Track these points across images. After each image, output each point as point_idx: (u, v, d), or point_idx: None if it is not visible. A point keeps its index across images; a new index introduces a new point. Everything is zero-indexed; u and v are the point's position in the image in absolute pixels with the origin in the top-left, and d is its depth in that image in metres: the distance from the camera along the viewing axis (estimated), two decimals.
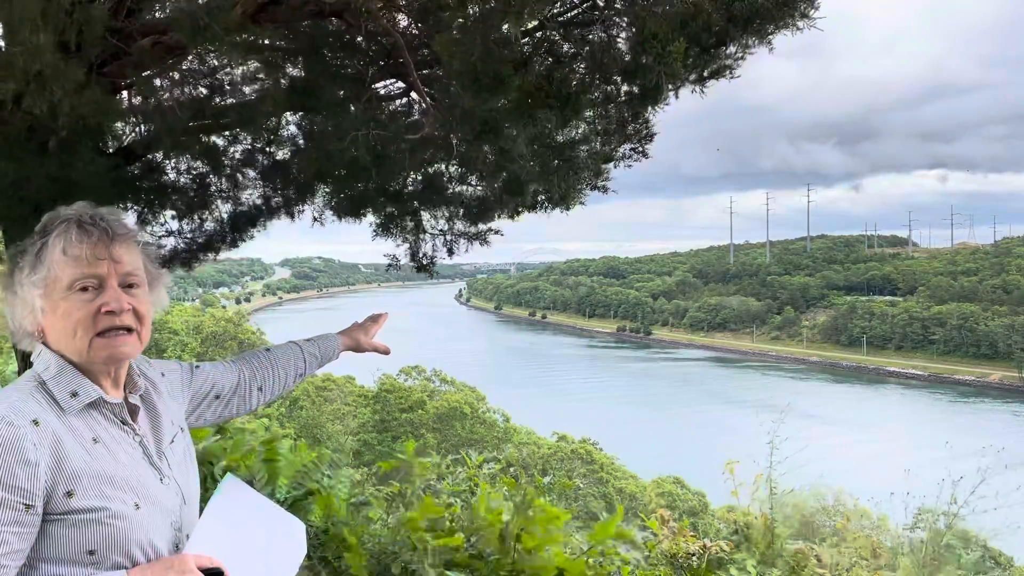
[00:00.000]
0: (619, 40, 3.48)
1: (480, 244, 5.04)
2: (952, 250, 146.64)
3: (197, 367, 1.91)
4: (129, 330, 1.51)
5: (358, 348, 2.26)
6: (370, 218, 4.88)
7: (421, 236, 5.06)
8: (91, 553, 1.38)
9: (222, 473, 3.60)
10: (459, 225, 5.04)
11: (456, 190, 4.94)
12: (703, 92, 3.77)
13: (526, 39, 3.37)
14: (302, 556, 1.68)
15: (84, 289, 1.47)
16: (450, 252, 5.11)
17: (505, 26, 2.84)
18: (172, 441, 1.65)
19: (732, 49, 3.57)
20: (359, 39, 3.97)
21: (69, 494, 1.37)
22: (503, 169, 4.27)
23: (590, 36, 3.60)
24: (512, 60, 2.93)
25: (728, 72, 3.75)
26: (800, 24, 3.40)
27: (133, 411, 1.58)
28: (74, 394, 1.46)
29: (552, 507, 2.98)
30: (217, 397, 1.91)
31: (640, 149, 4.77)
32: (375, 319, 2.33)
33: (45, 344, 1.52)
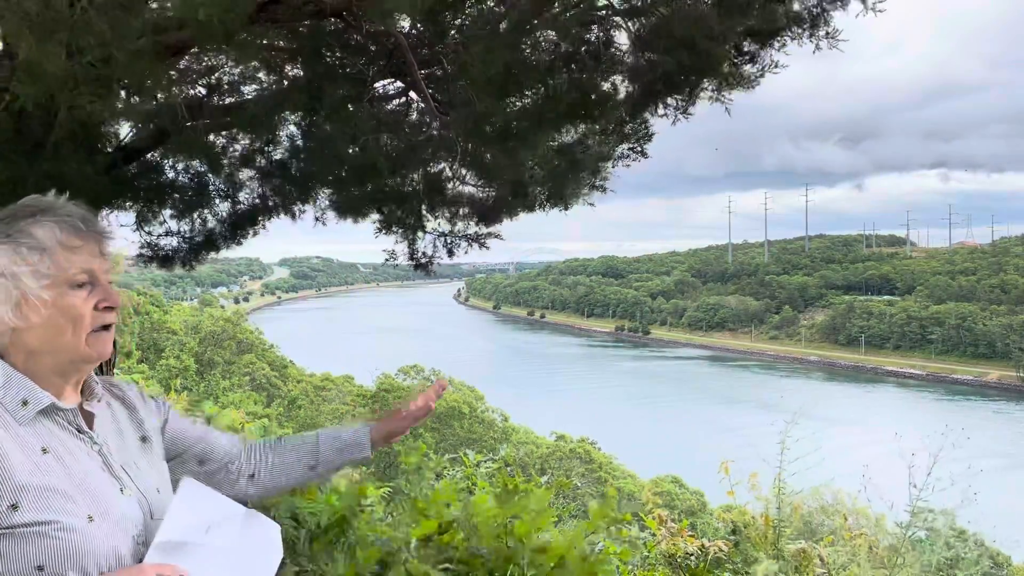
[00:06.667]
0: (622, 44, 3.49)
1: (479, 247, 5.03)
2: (950, 250, 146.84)
3: (194, 422, 1.82)
4: (110, 327, 1.50)
5: (393, 436, 1.95)
6: (373, 216, 4.87)
7: (419, 235, 5.05)
8: (40, 568, 1.31)
9: None
10: (460, 226, 5.04)
11: (457, 190, 4.94)
12: (720, 99, 3.81)
13: (548, 46, 3.37)
14: (278, 559, 1.58)
15: (80, 285, 1.45)
16: (450, 253, 5.11)
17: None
18: (142, 442, 1.60)
19: (755, 69, 3.61)
20: (359, 39, 3.96)
21: (13, 507, 1.31)
22: (512, 172, 4.27)
23: (589, 36, 3.60)
24: (538, 69, 2.91)
25: (750, 84, 3.78)
26: (822, 44, 3.44)
27: (89, 418, 1.51)
28: (24, 402, 1.41)
29: (534, 487, 2.94)
30: (201, 463, 1.78)
31: (639, 149, 4.77)
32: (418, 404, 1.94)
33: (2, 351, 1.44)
